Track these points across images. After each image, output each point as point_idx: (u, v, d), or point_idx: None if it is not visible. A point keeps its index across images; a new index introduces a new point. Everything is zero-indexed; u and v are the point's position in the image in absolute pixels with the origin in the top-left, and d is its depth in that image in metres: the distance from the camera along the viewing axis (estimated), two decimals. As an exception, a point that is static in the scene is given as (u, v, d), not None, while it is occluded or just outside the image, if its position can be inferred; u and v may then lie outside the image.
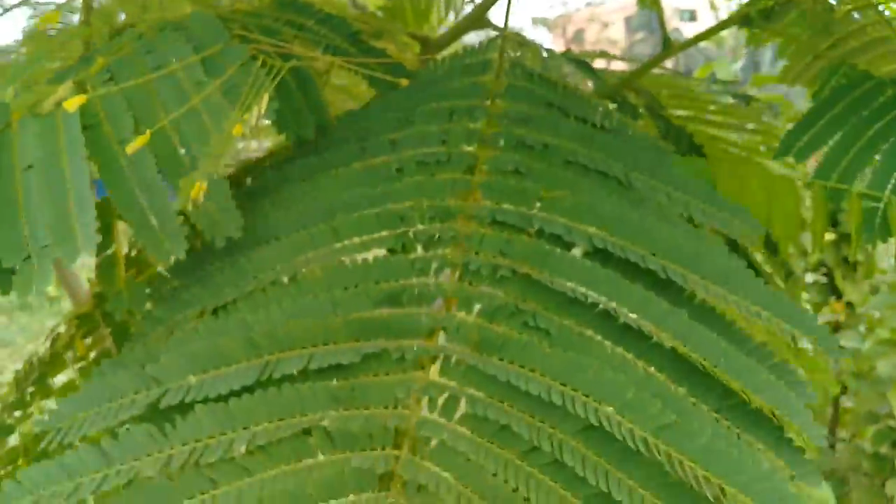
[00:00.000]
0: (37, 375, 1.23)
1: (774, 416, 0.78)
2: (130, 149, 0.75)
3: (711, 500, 0.70)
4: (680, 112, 1.64)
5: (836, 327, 2.74)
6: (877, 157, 1.20)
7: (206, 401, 0.77)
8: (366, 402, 0.77)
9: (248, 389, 0.77)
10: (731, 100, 1.78)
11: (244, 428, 0.75)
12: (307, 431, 0.75)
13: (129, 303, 0.98)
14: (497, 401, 0.76)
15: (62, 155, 0.76)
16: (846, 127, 1.22)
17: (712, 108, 1.66)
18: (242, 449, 0.73)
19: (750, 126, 1.66)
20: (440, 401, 0.77)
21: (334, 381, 0.78)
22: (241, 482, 0.72)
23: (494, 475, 0.73)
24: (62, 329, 1.24)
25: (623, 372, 0.78)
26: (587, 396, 0.75)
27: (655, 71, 1.70)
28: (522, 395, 0.76)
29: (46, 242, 0.72)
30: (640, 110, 1.48)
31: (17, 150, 0.76)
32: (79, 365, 1.17)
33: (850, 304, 2.74)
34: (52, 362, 1.25)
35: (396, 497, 0.72)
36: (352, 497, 0.71)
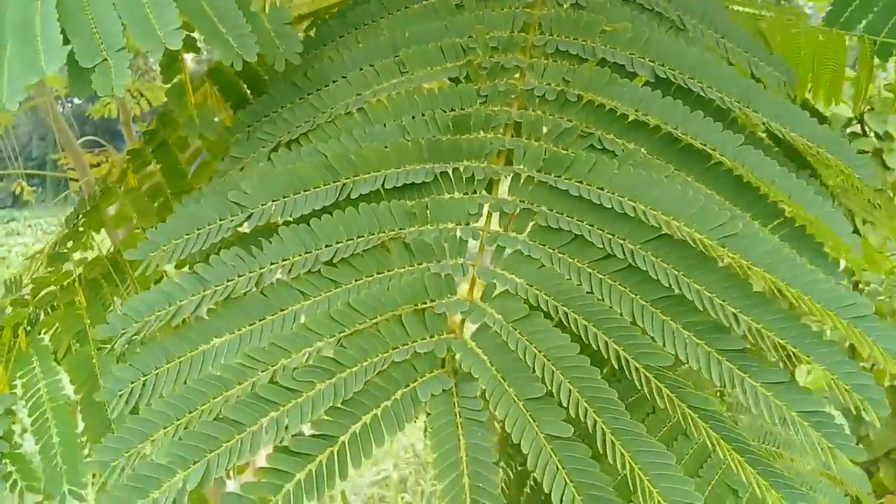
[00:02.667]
0: (88, 209, 1.28)
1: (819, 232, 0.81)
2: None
3: (774, 301, 0.73)
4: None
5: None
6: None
7: (287, 223, 0.80)
8: (439, 218, 0.80)
9: (327, 210, 0.80)
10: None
11: (327, 245, 0.78)
12: (386, 245, 0.78)
13: (200, 128, 1.00)
14: (567, 214, 0.79)
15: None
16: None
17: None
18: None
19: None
20: (512, 215, 0.80)
21: (408, 200, 0.81)
22: (328, 292, 0.76)
23: (568, 279, 0.76)
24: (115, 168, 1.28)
25: (689, 189, 0.80)
26: (657, 210, 0.77)
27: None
28: (594, 209, 0.78)
29: (120, 46, 0.74)
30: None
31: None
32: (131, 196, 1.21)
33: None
34: (105, 194, 1.30)
35: (474, 301, 0.76)
36: (432, 301, 0.75)
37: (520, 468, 1.17)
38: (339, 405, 0.69)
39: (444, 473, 0.67)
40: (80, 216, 1.29)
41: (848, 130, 2.43)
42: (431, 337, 0.74)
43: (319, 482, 0.67)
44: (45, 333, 1.13)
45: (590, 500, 0.64)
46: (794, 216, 0.85)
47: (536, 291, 0.76)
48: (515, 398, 0.70)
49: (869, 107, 2.44)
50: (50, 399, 1.05)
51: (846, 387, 0.69)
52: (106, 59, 0.76)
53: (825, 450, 0.67)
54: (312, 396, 0.70)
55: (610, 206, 0.77)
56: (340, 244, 0.78)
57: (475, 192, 0.82)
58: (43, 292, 1.19)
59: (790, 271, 0.72)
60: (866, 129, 2.19)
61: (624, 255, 0.76)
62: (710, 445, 0.69)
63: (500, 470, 1.19)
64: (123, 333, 0.75)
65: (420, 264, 0.78)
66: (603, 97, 0.86)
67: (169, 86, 1.06)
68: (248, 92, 1.08)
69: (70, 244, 1.26)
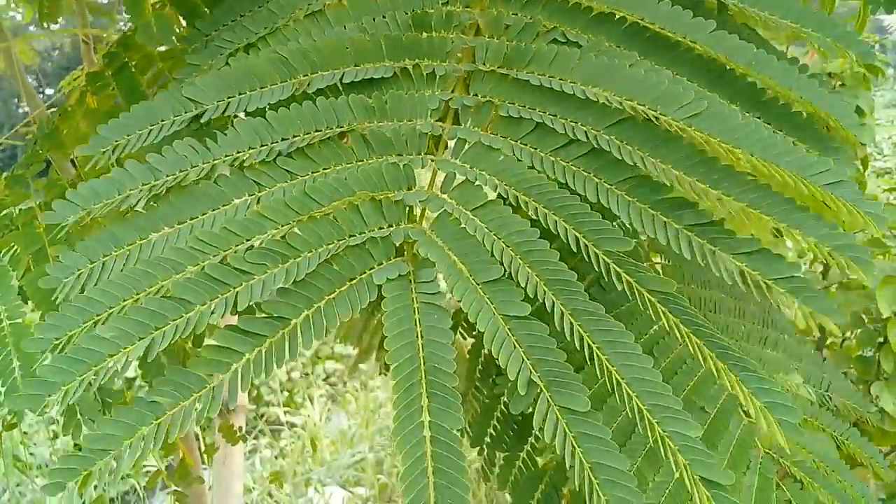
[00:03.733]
0: (47, 131, 1.26)
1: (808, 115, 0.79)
2: None
3: (743, 174, 0.71)
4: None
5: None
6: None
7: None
8: (398, 113, 0.78)
9: (284, 104, 0.78)
10: None
11: (283, 138, 0.76)
12: (344, 138, 0.76)
13: (158, 35, 0.99)
14: (530, 105, 0.77)
15: None
16: None
17: None
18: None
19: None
20: (473, 110, 0.78)
21: (367, 96, 0.79)
22: (284, 183, 0.74)
23: (531, 167, 0.74)
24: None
25: (653, 73, 0.78)
26: (621, 96, 0.75)
27: None
28: (557, 98, 0.77)
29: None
30: None
31: None
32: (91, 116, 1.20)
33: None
34: (64, 117, 1.29)
35: (432, 192, 0.74)
36: (390, 192, 0.73)
37: (486, 402, 1.15)
38: (293, 289, 0.67)
39: (398, 353, 0.65)
40: (39, 139, 1.26)
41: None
42: (389, 227, 0.72)
43: (269, 362, 0.65)
44: (4, 255, 1.11)
45: (546, 375, 0.62)
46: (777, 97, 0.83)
47: (497, 181, 0.74)
48: (473, 281, 0.68)
49: (840, 82, 2.43)
50: (9, 317, 1.02)
51: (828, 249, 0.67)
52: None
53: (804, 312, 0.65)
54: (264, 279, 0.68)
55: (572, 94, 0.76)
56: (297, 137, 0.76)
57: (436, 88, 0.80)
58: (2, 213, 1.17)
59: (759, 143, 0.70)
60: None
61: (587, 139, 0.74)
62: (667, 328, 0.67)
63: (469, 404, 1.17)
64: (70, 219, 0.73)
65: (379, 157, 0.76)
66: (567, -7, 0.84)
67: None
68: (207, 11, 1.06)
69: (30, 167, 1.23)
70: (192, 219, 0.73)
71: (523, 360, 0.63)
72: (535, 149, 0.75)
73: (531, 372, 0.63)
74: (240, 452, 2.17)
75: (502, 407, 1.15)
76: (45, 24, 1.63)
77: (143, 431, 0.61)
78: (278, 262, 0.68)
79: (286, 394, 5.39)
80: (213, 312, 0.66)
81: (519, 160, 0.74)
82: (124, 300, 0.67)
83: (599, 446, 0.59)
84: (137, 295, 0.67)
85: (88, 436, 0.61)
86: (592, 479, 0.58)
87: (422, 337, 0.66)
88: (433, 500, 0.57)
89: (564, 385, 0.61)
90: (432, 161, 0.76)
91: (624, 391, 0.61)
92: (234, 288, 0.67)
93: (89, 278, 0.71)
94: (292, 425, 5.02)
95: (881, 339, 2.32)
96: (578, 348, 0.65)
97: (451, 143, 0.78)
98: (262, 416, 5.11)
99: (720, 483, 0.57)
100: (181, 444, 1.84)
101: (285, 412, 5.16)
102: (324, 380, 5.75)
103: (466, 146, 0.76)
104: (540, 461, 1.12)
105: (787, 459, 0.92)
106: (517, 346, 0.64)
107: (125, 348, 0.64)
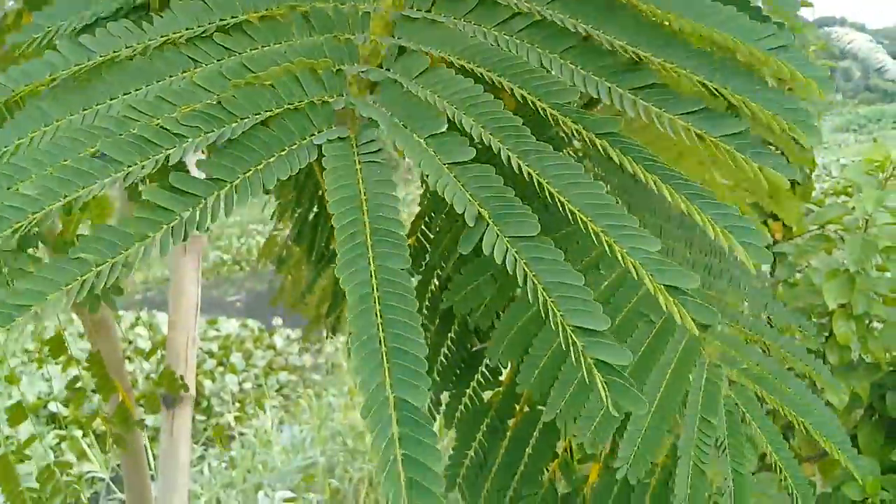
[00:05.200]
0: None
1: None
2: None
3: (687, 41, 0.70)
4: None
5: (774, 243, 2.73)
6: None
7: (180, 0, 0.76)
8: (340, -6, 0.77)
9: (223, -12, 0.76)
10: None
11: (221, 20, 0.74)
12: (284, 16, 0.75)
13: None
14: (474, -18, 0.76)
15: None
16: None
17: None
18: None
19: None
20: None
21: (308, -20, 0.77)
22: (221, 60, 0.72)
23: (473, 36, 0.73)
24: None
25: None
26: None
27: None
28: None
29: None
30: None
31: None
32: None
33: (787, 227, 2.73)
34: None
35: (375, 63, 0.72)
36: (334, 63, 0.71)
37: (434, 338, 1.12)
38: (230, 150, 0.65)
39: (340, 203, 0.62)
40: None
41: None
42: (330, 97, 0.70)
43: (203, 220, 0.62)
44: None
45: (494, 210, 0.60)
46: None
47: (441, 53, 0.72)
48: (416, 136, 0.66)
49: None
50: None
51: (772, 112, 0.66)
52: None
53: (753, 169, 0.64)
54: (198, 142, 0.65)
55: (516, -30, 0.75)
56: (236, 18, 0.75)
57: (379, -26, 0.79)
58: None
59: (702, 12, 0.70)
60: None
61: (530, 11, 0.73)
62: (621, 163, 0.65)
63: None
64: (-1, 100, 0.70)
65: (320, 35, 0.74)
66: None
67: None
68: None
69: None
70: (124, 94, 0.70)
71: (469, 200, 0.61)
72: (479, 24, 0.74)
73: (479, 209, 0.60)
74: (185, 459, 2.09)
75: (449, 343, 1.12)
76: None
77: (67, 287, 0.57)
78: (213, 125, 0.66)
79: (238, 405, 5.28)
80: (143, 170, 0.63)
81: (462, 33, 0.73)
82: (51, 167, 0.64)
83: (552, 267, 0.57)
84: (66, 161, 0.64)
85: (8, 291, 0.57)
86: (547, 297, 0.55)
87: (364, 192, 0.63)
88: (380, 325, 0.55)
89: (512, 216, 0.59)
90: (374, 38, 0.74)
91: (578, 218, 0.59)
92: (167, 149, 0.64)
93: (15, 155, 0.68)
94: (242, 434, 4.91)
95: (826, 334, 2.33)
96: (528, 181, 0.63)
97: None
98: (214, 424, 5.00)
99: (683, 289, 0.56)
100: (120, 388, 1.77)
101: (235, 418, 5.05)
102: (276, 391, 5.64)
103: (409, 23, 0.75)
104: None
105: (733, 367, 0.91)
106: (463, 187, 0.61)
107: (49, 205, 0.60)
